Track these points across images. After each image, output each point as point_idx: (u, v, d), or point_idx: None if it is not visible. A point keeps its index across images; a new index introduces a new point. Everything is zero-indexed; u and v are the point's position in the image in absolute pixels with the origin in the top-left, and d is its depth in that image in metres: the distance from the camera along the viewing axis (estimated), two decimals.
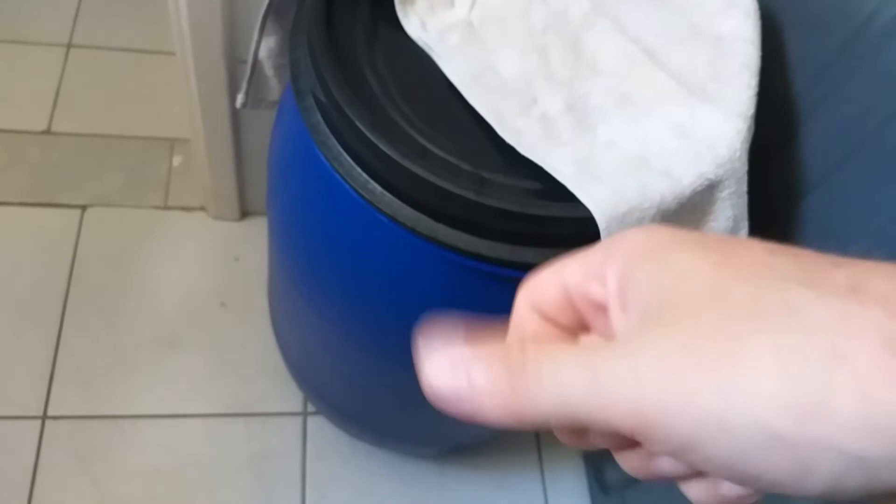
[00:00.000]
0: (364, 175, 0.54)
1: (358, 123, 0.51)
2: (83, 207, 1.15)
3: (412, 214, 0.53)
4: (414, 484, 1.05)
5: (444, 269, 0.55)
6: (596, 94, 0.59)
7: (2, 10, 1.33)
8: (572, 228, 0.52)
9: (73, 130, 1.22)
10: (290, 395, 1.06)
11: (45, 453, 0.97)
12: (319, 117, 0.55)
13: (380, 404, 0.84)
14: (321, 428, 1.05)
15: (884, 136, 0.57)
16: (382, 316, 0.62)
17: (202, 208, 1.19)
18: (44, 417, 0.99)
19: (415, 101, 0.56)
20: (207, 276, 1.14)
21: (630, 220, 0.51)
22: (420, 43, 0.59)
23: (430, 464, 1.07)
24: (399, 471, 1.05)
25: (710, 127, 0.56)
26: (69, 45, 1.31)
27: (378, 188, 0.53)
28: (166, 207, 1.19)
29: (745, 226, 0.58)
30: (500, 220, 0.52)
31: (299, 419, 1.06)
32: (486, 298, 0.58)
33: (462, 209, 0.51)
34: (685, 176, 0.53)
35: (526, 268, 0.54)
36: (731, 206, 0.56)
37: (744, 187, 0.57)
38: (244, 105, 0.75)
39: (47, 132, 1.21)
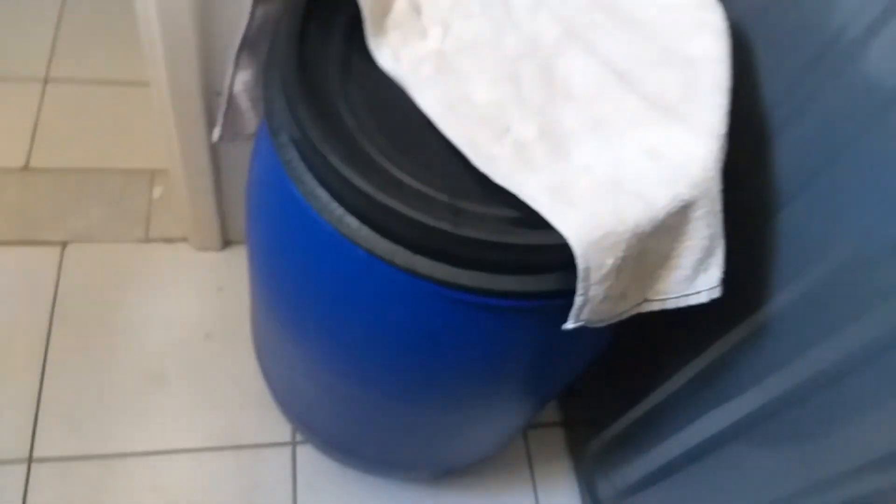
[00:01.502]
0: (340, 209, 0.54)
1: (331, 159, 0.51)
2: (63, 244, 1.14)
3: (389, 247, 0.53)
4: None
5: (423, 300, 0.55)
6: (569, 118, 0.60)
7: None
8: (550, 255, 0.52)
9: (52, 165, 1.21)
10: (278, 426, 1.05)
11: (31, 497, 0.95)
12: (294, 153, 0.55)
13: (365, 432, 0.84)
14: (311, 457, 1.05)
15: (855, 148, 0.58)
16: (364, 348, 0.62)
17: (184, 239, 1.18)
18: (29, 461, 0.98)
19: (390, 133, 0.57)
20: (191, 307, 1.13)
21: (606, 245, 0.51)
22: (393, 75, 0.59)
23: (422, 487, 1.06)
24: (392, 496, 1.04)
25: (683, 148, 0.56)
26: (46, 80, 1.30)
27: (354, 222, 0.53)
28: (148, 240, 1.18)
29: (720, 244, 0.58)
30: (477, 250, 0.52)
31: (288, 449, 1.05)
32: (466, 327, 0.58)
33: (439, 240, 0.51)
34: (659, 198, 0.53)
35: (506, 296, 0.55)
36: (707, 225, 0.56)
37: (718, 206, 0.57)
38: (221, 139, 0.75)
39: (25, 168, 1.21)
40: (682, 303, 0.60)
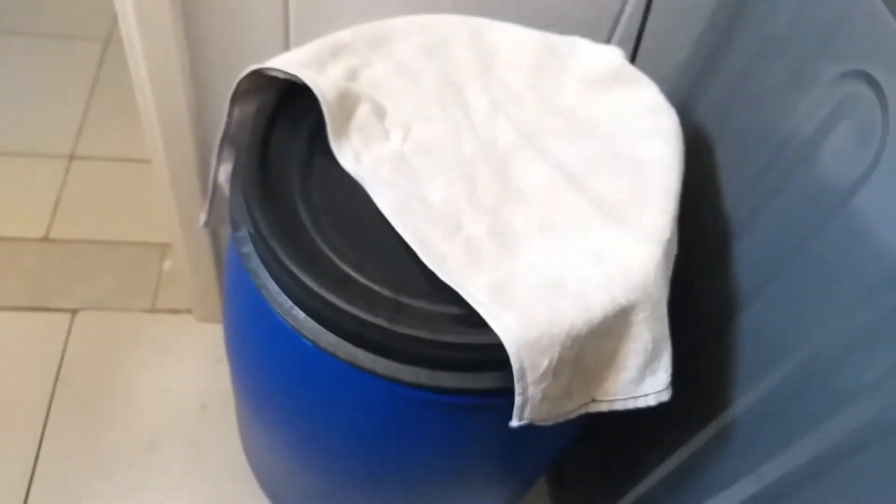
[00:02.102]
0: (289, 301, 0.56)
1: (279, 253, 0.54)
2: (74, 311, 1.20)
3: (333, 340, 0.55)
4: None
5: (367, 393, 0.57)
6: (520, 220, 0.62)
7: (9, 123, 1.42)
8: (490, 354, 0.53)
9: (70, 237, 1.28)
10: (260, 499, 1.06)
11: None
12: (251, 247, 0.58)
13: None
14: None
15: (808, 248, 0.59)
16: (315, 437, 0.64)
17: (189, 311, 1.22)
18: None
19: (345, 230, 0.59)
20: (190, 378, 1.17)
21: (540, 346, 0.53)
22: (354, 175, 0.62)
23: None
24: None
25: (626, 252, 0.58)
26: (71, 157, 1.39)
27: (301, 314, 0.56)
28: (154, 310, 1.23)
29: (666, 347, 0.59)
30: (415, 346, 0.53)
31: None
32: (412, 421, 0.60)
33: (378, 335, 0.53)
34: (597, 301, 0.55)
35: (447, 392, 0.56)
36: (649, 329, 0.57)
37: (662, 310, 0.58)
38: (207, 225, 0.79)
39: (45, 239, 1.27)
40: (631, 405, 0.60)
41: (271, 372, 0.62)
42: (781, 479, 0.62)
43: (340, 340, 0.55)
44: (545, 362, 0.53)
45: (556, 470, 1.15)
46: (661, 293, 0.58)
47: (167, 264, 1.27)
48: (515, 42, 0.73)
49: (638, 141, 0.65)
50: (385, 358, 0.55)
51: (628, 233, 0.59)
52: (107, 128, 1.44)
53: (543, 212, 0.62)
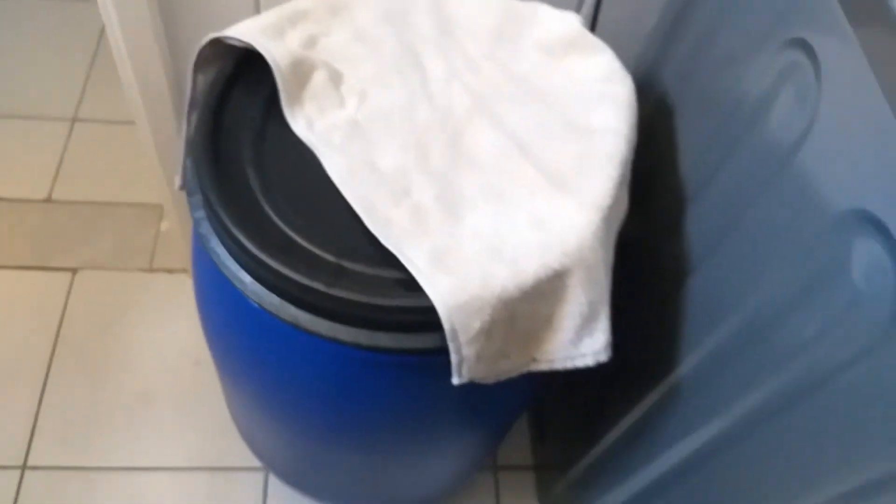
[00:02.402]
0: (236, 265, 0.59)
1: (224, 219, 0.57)
2: (74, 270, 1.24)
3: (277, 302, 0.58)
4: None
5: (310, 353, 0.60)
6: (469, 186, 0.63)
7: (14, 86, 1.46)
8: (423, 316, 0.56)
9: (72, 198, 1.32)
10: (246, 451, 1.10)
11: (21, 502, 1.04)
12: (202, 212, 0.61)
13: (311, 471, 0.88)
14: (281, 484, 1.09)
15: (752, 210, 0.60)
16: (272, 396, 0.67)
17: (184, 270, 1.26)
18: (23, 468, 1.07)
19: (294, 197, 0.61)
20: (185, 335, 1.21)
21: (471, 309, 0.55)
22: (306, 141, 0.64)
23: None
24: None
25: (565, 218, 0.59)
26: (74, 119, 1.42)
27: (248, 277, 0.59)
28: (151, 270, 1.27)
29: (604, 310, 0.61)
30: (352, 309, 0.56)
31: (260, 474, 1.11)
32: (355, 381, 0.62)
33: (317, 298, 0.56)
34: (529, 266, 0.56)
35: (385, 352, 0.59)
36: (584, 292, 0.59)
37: (598, 274, 0.60)
38: (182, 187, 0.82)
39: (47, 200, 1.32)
40: (570, 364, 0.63)
41: (225, 332, 0.65)
42: (724, 433, 0.64)
43: (284, 302, 0.58)
44: (476, 324, 0.55)
45: (537, 425, 1.18)
46: (597, 258, 0.59)
47: (164, 225, 1.31)
48: (476, 8, 0.73)
49: (589, 108, 0.66)
50: (326, 319, 0.57)
51: (569, 199, 0.60)
52: (109, 90, 1.47)
53: (492, 179, 0.63)
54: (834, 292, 0.50)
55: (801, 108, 0.54)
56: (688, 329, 0.70)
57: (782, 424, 0.57)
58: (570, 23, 0.71)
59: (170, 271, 1.27)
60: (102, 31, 1.56)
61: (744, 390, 0.61)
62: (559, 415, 1.10)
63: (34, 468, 1.07)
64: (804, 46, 0.54)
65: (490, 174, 0.64)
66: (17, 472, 1.06)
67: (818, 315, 0.52)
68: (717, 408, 0.65)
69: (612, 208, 0.61)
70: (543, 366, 0.63)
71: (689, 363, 0.70)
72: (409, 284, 0.56)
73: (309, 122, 0.65)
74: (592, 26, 0.80)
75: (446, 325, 0.55)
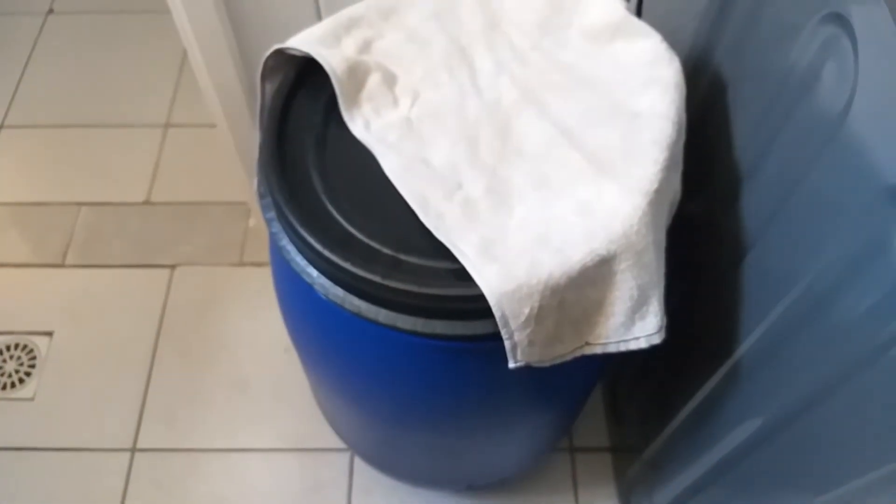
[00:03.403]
0: (304, 261, 0.64)
1: (291, 219, 0.61)
2: (172, 267, 1.34)
3: (341, 293, 0.62)
4: None
5: (372, 340, 0.64)
6: (518, 176, 0.66)
7: (110, 97, 1.58)
8: (474, 304, 0.59)
9: (168, 200, 1.42)
10: (331, 433, 1.17)
11: (132, 482, 1.14)
12: (272, 213, 0.66)
13: (389, 451, 0.93)
14: (366, 464, 1.15)
15: (805, 183, 0.60)
16: (343, 382, 0.72)
17: None
18: (133, 450, 1.17)
19: (354, 195, 0.66)
20: (274, 324, 1.26)
21: (520, 296, 0.57)
22: (363, 141, 0.68)
23: (467, 500, 1.14)
24: None
25: (611, 204, 0.61)
26: (167, 125, 1.52)
27: (315, 271, 0.63)
28: (242, 264, 1.35)
29: (655, 292, 0.62)
30: (407, 298, 0.60)
31: (346, 455, 1.17)
32: (416, 366, 0.66)
33: (375, 289, 0.60)
34: (576, 253, 0.58)
35: (440, 338, 0.62)
36: (633, 277, 0.60)
37: (648, 258, 0.61)
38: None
39: (146, 202, 1.42)
40: (623, 348, 0.64)
41: (300, 322, 0.70)
42: (786, 410, 0.64)
43: (347, 294, 0.62)
44: (526, 310, 0.58)
45: (613, 407, 1.20)
46: (646, 242, 0.60)
47: (251, 222, 1.39)
48: (522, 0, 0.75)
49: (635, 93, 0.67)
50: (385, 309, 0.61)
51: (615, 185, 0.61)
52: (197, 96, 1.56)
53: (539, 168, 0.66)
54: (885, 265, 0.50)
55: (843, 81, 0.54)
56: (749, 306, 0.70)
57: (842, 399, 0.57)
58: (615, 8, 0.71)
59: (258, 265, 1.35)
60: None
61: (804, 366, 0.61)
62: (633, 397, 1.11)
63: (143, 450, 1.17)
64: (841, 21, 0.54)
65: (537, 164, 0.66)
66: (128, 455, 1.17)
67: (872, 288, 0.52)
68: (779, 385, 0.65)
69: (659, 192, 0.62)
70: (597, 349, 0.65)
71: (751, 340, 0.70)
72: (462, 274, 0.59)
73: (366, 123, 0.69)
74: (638, 11, 0.80)
75: (497, 312, 0.57)
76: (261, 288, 1.33)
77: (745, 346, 0.70)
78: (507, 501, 1.13)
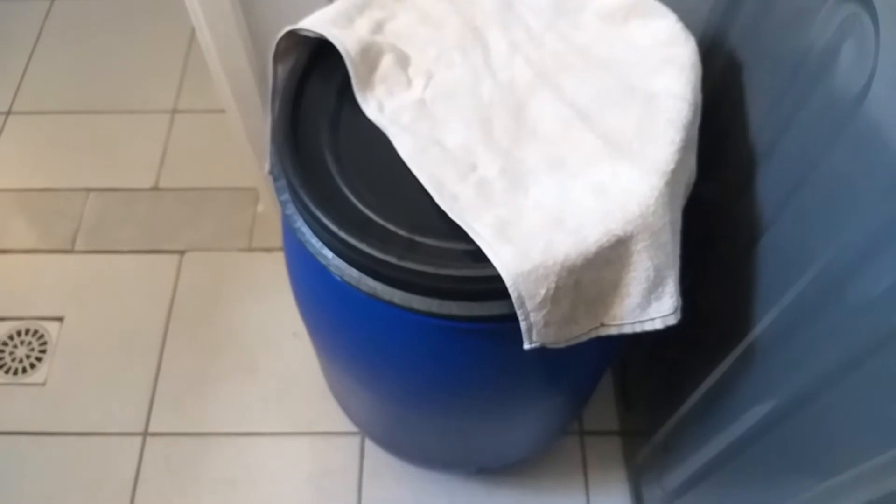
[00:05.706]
0: (319, 242, 0.64)
1: (307, 201, 0.61)
2: (181, 252, 1.35)
3: (356, 275, 0.62)
4: (462, 501, 1.13)
5: (388, 321, 0.64)
6: (532, 158, 0.65)
7: (117, 83, 1.57)
8: (490, 284, 0.59)
9: (176, 186, 1.42)
10: (341, 415, 1.17)
11: (144, 465, 1.15)
12: (287, 195, 0.66)
13: (400, 434, 0.93)
14: (376, 447, 1.16)
15: (823, 163, 0.59)
16: (356, 363, 0.72)
17: (280, 249, 1.34)
18: (145, 434, 1.18)
19: (368, 177, 0.65)
20: (282, 309, 1.28)
21: (536, 276, 0.57)
22: (377, 123, 0.68)
23: (478, 483, 1.14)
24: (448, 489, 1.13)
25: (627, 184, 0.60)
26: (174, 111, 1.52)
27: (330, 253, 0.63)
28: (251, 249, 1.35)
29: (671, 274, 0.62)
30: (423, 279, 0.60)
31: (357, 438, 1.17)
32: (428, 347, 0.66)
33: (391, 270, 0.60)
34: (592, 233, 0.58)
35: (457, 319, 0.62)
36: (650, 257, 0.60)
37: (663, 238, 0.61)
38: (271, 172, 0.87)
39: (154, 189, 1.42)
40: (638, 328, 0.64)
41: (314, 304, 0.70)
42: (800, 391, 0.64)
43: (362, 275, 0.62)
44: (542, 291, 0.58)
45: (623, 391, 1.20)
46: (662, 223, 0.60)
47: (260, 207, 1.39)
48: None
49: (650, 73, 0.66)
50: (401, 290, 0.61)
51: (631, 165, 0.61)
52: (204, 81, 1.55)
53: (554, 149, 0.65)
54: None
55: (862, 60, 0.53)
56: (763, 287, 0.70)
57: (855, 381, 0.57)
58: None
59: (267, 250, 1.35)
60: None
61: (818, 349, 0.61)
62: (643, 380, 1.11)
63: (154, 434, 1.18)
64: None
65: (552, 145, 0.66)
66: (140, 439, 1.18)
67: (888, 270, 0.51)
68: (792, 367, 0.65)
69: (675, 172, 0.62)
70: (612, 330, 0.65)
71: (765, 322, 0.70)
72: (478, 255, 0.59)
73: (379, 104, 0.69)
74: None
75: (513, 293, 0.57)
76: (269, 273, 1.33)
77: (759, 328, 0.70)
78: (517, 484, 1.14)
